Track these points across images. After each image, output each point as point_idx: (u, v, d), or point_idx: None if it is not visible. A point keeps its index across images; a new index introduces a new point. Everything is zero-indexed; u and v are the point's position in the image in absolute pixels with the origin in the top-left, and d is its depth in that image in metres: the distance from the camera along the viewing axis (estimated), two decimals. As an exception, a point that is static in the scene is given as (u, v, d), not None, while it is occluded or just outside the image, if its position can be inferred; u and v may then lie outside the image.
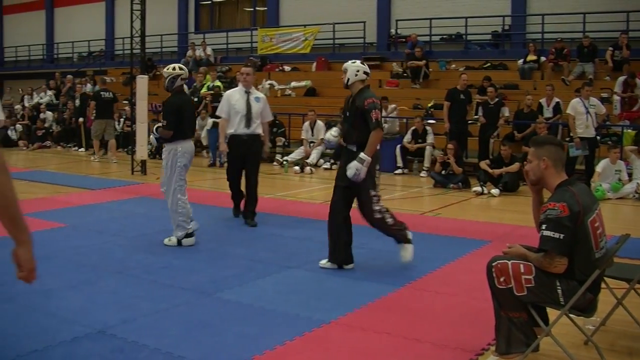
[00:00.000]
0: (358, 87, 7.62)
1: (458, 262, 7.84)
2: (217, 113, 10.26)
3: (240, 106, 9.87)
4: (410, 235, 7.69)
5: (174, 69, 8.72)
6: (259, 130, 10.03)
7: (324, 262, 7.59)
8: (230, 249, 8.34)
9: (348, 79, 7.64)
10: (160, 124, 8.70)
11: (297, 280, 7.03)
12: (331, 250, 7.60)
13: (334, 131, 8.15)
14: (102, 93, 19.17)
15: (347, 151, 7.59)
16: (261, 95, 10.30)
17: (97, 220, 10.22)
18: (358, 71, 7.59)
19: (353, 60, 7.78)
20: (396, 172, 16.47)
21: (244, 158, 10.00)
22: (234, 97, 9.99)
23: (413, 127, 16.88)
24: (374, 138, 7.30)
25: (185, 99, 9.04)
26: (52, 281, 6.86)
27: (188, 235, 8.56)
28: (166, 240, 8.60)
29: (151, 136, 8.88)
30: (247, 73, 9.98)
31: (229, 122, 9.97)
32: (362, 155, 7.22)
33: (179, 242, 8.52)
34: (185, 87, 9.24)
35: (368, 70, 7.67)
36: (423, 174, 15.96)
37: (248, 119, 9.86)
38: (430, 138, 16.51)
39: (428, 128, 16.75)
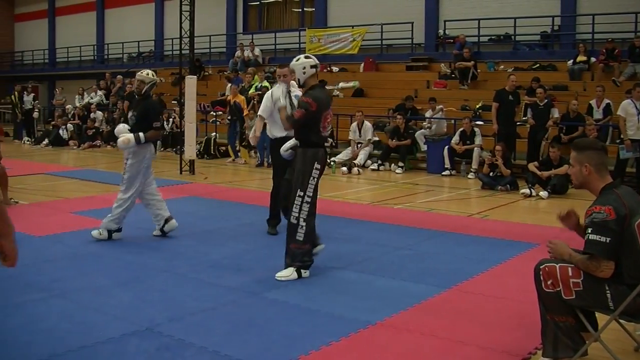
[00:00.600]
0: (310, 83, 7.59)
1: (505, 264, 7.77)
2: (259, 112, 10.33)
3: (286, 105, 9.65)
4: (306, 273, 7.20)
5: (153, 75, 9.19)
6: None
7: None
8: (277, 249, 8.32)
9: (299, 79, 7.63)
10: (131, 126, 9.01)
11: (343, 280, 7.03)
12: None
13: (287, 145, 7.91)
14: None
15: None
16: (299, 93, 10.02)
17: (146, 219, 10.29)
18: (304, 68, 7.49)
19: (297, 58, 7.70)
20: (444, 173, 16.38)
21: (281, 160, 9.35)
22: (273, 94, 9.74)
23: (461, 129, 16.77)
24: (283, 114, 7.70)
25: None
26: (101, 279, 6.96)
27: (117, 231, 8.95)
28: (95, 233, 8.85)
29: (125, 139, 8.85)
30: (283, 74, 9.45)
31: (274, 124, 9.89)
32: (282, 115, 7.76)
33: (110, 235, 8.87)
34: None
35: (314, 62, 7.55)
36: (471, 175, 15.83)
37: None
38: (478, 139, 16.38)
39: (476, 129, 16.62)
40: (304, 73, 7.51)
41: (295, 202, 7.29)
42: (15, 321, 5.63)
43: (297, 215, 7.27)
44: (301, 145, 7.46)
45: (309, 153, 7.39)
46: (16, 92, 26.46)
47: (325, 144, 7.87)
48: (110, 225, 8.84)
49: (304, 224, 7.25)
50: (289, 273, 7.10)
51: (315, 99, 7.38)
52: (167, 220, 9.12)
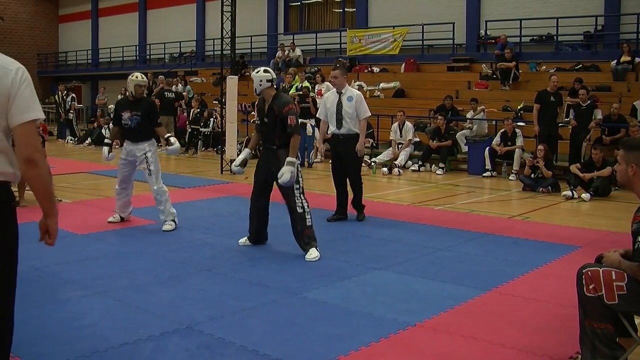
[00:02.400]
0: (270, 93, 8.22)
1: (546, 267, 7.70)
2: (317, 115, 10.99)
3: (332, 107, 10.31)
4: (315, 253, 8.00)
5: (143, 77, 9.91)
6: (355, 129, 10.26)
7: (242, 240, 8.67)
8: (318, 249, 8.36)
9: (256, 89, 8.25)
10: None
11: (383, 281, 7.01)
12: (252, 231, 8.66)
13: (238, 161, 8.78)
14: (165, 92, 20.30)
15: (267, 150, 8.40)
16: (355, 93, 10.41)
17: (187, 218, 10.37)
18: (261, 80, 8.13)
19: (257, 70, 8.36)
20: (484, 174, 16.28)
21: (341, 156, 10.42)
22: (329, 98, 10.50)
23: (502, 130, 16.66)
24: (295, 142, 8.08)
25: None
26: (143, 277, 7.02)
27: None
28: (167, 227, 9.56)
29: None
30: (334, 76, 10.38)
31: (329, 122, 10.52)
32: (290, 159, 7.99)
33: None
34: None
35: (270, 77, 8.19)
36: (512, 177, 15.70)
37: (339, 119, 10.25)
38: (519, 141, 16.25)
39: (517, 130, 16.50)
40: (260, 85, 8.17)
41: (295, 195, 8.12)
42: (59, 317, 5.69)
43: (300, 204, 8.12)
44: (280, 147, 8.18)
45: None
46: (60, 92, 26.77)
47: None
48: (171, 215, 9.56)
49: (308, 209, 8.15)
50: (315, 253, 7.94)
51: (292, 102, 8.39)
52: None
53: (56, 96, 26.93)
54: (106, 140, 10.37)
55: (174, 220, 9.61)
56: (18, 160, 3.45)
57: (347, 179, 10.54)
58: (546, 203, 12.46)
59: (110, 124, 25.12)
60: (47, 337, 5.20)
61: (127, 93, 10.17)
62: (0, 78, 3.39)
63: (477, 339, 5.30)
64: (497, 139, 16.56)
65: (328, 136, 11.30)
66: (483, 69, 22.33)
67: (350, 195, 10.59)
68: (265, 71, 8.23)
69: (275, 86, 8.28)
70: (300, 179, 8.18)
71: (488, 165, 16.38)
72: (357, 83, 22.17)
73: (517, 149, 16.06)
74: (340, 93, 10.32)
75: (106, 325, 5.53)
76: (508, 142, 16.31)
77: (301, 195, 8.17)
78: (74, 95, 27.97)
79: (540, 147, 14.31)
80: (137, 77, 9.76)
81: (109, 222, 9.95)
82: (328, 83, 20.68)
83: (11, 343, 3.68)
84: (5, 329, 3.61)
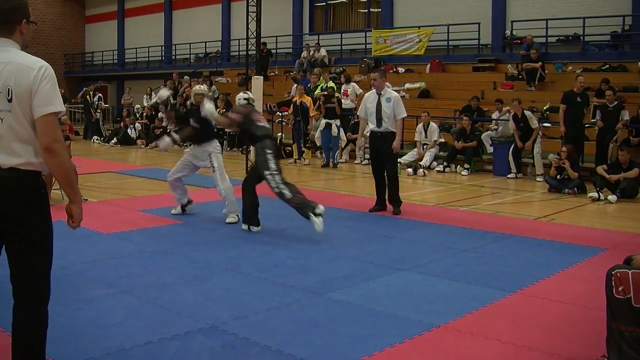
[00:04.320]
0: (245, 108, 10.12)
1: (572, 269, 7.65)
2: (358, 113, 11.75)
3: (372, 107, 11.06)
4: (320, 209, 8.97)
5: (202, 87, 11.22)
6: (392, 128, 10.97)
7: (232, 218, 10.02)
8: (342, 250, 8.37)
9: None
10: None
11: (408, 282, 6.99)
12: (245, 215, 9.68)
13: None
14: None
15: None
16: (393, 95, 11.15)
17: (211, 217, 10.41)
18: (239, 99, 10.26)
19: (239, 96, 10.46)
20: (509, 175, 16.19)
21: (380, 153, 11.12)
22: (368, 98, 11.21)
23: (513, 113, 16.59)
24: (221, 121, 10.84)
25: None
26: (167, 276, 7.05)
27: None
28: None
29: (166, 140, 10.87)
30: (373, 78, 11.32)
31: (369, 121, 11.21)
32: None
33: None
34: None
35: (248, 97, 10.41)
36: (539, 178, 15.58)
37: (378, 118, 10.96)
38: (537, 141, 16.07)
39: (527, 112, 16.40)
40: (239, 103, 10.13)
41: (269, 181, 9.27)
42: (85, 315, 5.73)
43: (275, 186, 9.22)
44: (254, 143, 9.65)
45: (258, 146, 9.49)
46: (90, 93, 26.98)
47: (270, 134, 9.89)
48: (235, 208, 10.24)
49: (284, 188, 9.17)
50: (319, 221, 8.88)
51: (238, 110, 10.04)
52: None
53: (88, 96, 27.09)
54: (174, 136, 10.89)
55: (237, 215, 10.12)
56: (40, 150, 3.75)
57: (386, 174, 11.16)
58: (572, 204, 12.38)
59: (136, 124, 25.40)
60: (73, 334, 5.24)
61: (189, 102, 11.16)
62: (24, 75, 3.71)
63: (502, 341, 5.27)
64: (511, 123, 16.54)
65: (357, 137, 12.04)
66: (509, 70, 22.21)
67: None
68: (244, 93, 10.51)
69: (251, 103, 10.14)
70: (271, 166, 9.31)
71: (512, 167, 16.26)
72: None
73: (536, 150, 15.91)
74: (379, 94, 11.00)
75: (131, 323, 5.56)
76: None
77: (275, 178, 9.26)
78: (100, 95, 28.15)
79: (564, 148, 14.22)
80: (197, 87, 11.07)
81: (173, 213, 10.73)
82: (354, 83, 20.78)
83: (46, 322, 3.94)
84: (41, 304, 3.91)
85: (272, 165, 9.33)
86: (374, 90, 11.20)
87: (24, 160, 3.75)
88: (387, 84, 12.59)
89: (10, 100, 3.71)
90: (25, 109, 3.72)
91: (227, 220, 10.07)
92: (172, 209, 10.80)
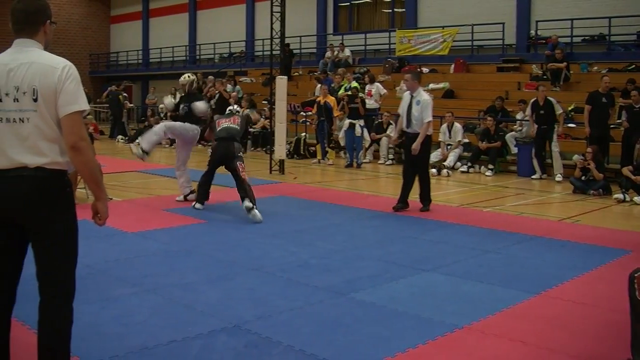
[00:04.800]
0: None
1: (596, 271, 7.60)
2: (398, 110, 11.72)
3: (403, 108, 11.31)
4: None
5: (189, 76, 12.17)
6: (418, 129, 11.09)
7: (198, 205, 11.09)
8: (366, 250, 8.36)
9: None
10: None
11: (431, 283, 6.98)
12: (199, 196, 11.17)
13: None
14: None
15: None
16: (424, 98, 11.17)
17: (236, 217, 10.44)
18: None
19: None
20: (534, 176, 16.10)
21: (409, 152, 11.23)
22: (405, 99, 11.42)
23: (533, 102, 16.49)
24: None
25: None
26: (191, 275, 7.08)
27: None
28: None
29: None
30: (405, 79, 11.79)
31: (403, 120, 11.42)
32: None
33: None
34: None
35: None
36: (558, 177, 15.46)
37: (408, 119, 11.19)
38: (554, 141, 15.93)
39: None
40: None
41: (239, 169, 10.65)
42: (109, 314, 5.77)
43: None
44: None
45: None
46: (122, 93, 27.22)
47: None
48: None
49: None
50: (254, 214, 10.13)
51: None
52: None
53: (120, 96, 27.22)
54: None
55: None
56: (66, 148, 3.82)
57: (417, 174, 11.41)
58: (597, 206, 12.30)
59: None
60: (97, 333, 5.28)
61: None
62: (47, 75, 3.78)
63: (526, 342, 5.25)
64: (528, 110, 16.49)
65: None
66: (533, 70, 22.07)
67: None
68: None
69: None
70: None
71: (537, 169, 16.16)
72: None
73: (554, 150, 15.81)
74: (412, 95, 11.18)
75: (155, 322, 5.59)
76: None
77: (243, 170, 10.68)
78: (125, 94, 28.30)
79: (589, 148, 14.13)
80: (185, 76, 12.03)
81: (177, 200, 11.90)
82: (378, 84, 20.78)
83: (71, 316, 3.98)
84: (66, 302, 3.95)
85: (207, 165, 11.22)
86: (409, 91, 11.40)
87: (50, 159, 3.80)
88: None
89: (35, 100, 3.77)
90: (50, 108, 3.78)
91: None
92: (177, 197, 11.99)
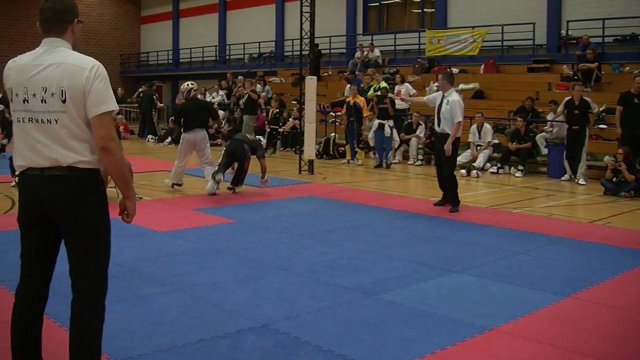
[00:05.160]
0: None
1: (628, 274, 7.52)
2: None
3: (435, 107, 11.48)
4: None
5: (189, 85, 13.40)
6: (448, 130, 11.23)
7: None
8: (395, 251, 8.35)
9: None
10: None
11: (460, 284, 6.95)
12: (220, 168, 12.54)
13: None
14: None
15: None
16: (453, 98, 11.25)
17: (265, 217, 10.46)
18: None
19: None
20: (563, 178, 15.97)
21: (438, 153, 11.62)
22: (437, 98, 11.58)
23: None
24: None
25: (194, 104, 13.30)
26: (220, 274, 7.11)
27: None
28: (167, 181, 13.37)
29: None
30: (438, 79, 11.99)
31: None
32: None
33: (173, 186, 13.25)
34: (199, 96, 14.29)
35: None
36: (582, 181, 15.27)
37: (438, 119, 11.39)
38: (585, 145, 15.77)
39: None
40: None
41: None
42: (139, 312, 5.82)
43: None
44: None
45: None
46: (155, 93, 27.43)
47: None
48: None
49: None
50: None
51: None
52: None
53: (154, 97, 27.38)
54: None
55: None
56: (95, 149, 3.83)
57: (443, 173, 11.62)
58: (629, 208, 12.19)
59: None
60: (127, 331, 5.32)
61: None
62: (76, 76, 3.77)
63: (555, 345, 5.21)
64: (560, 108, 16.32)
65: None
66: (564, 70, 21.90)
67: None
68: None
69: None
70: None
71: (568, 170, 16.01)
72: (436, 84, 22.01)
73: (583, 156, 15.63)
74: (443, 95, 11.33)
75: (184, 321, 5.62)
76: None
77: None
78: (156, 94, 28.48)
79: (620, 150, 14.00)
80: (186, 83, 13.36)
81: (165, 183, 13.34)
82: (407, 84, 20.75)
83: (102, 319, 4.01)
84: (98, 301, 3.98)
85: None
86: (441, 90, 11.57)
87: (81, 158, 3.81)
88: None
89: (64, 101, 3.77)
90: (79, 109, 3.79)
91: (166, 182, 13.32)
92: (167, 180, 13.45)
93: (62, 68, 3.79)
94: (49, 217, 3.86)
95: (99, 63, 3.90)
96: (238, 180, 12.82)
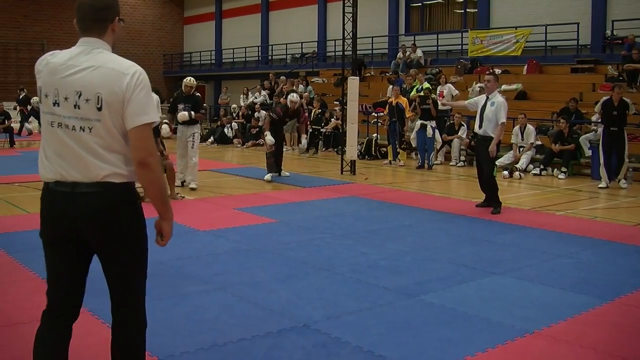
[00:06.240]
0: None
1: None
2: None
3: (479, 108, 11.36)
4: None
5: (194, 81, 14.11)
6: (490, 132, 11.13)
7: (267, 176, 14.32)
8: (436, 252, 8.33)
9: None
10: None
11: (502, 287, 6.92)
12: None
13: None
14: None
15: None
16: (498, 100, 11.19)
17: (307, 217, 10.49)
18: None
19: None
20: (600, 185, 15.68)
21: (479, 154, 11.60)
22: (480, 99, 11.56)
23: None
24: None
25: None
26: (261, 274, 7.14)
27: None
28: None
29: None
30: (487, 80, 11.51)
31: (476, 121, 11.54)
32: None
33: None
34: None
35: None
36: (623, 184, 14.99)
37: (481, 120, 11.23)
38: (624, 144, 15.51)
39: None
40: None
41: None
42: (181, 311, 5.87)
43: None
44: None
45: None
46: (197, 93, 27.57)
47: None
48: (195, 178, 13.53)
49: None
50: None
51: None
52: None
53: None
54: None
55: (196, 183, 13.39)
56: (133, 164, 3.47)
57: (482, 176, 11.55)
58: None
59: (233, 123, 25.80)
60: (169, 329, 5.38)
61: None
62: (115, 82, 3.40)
63: (597, 350, 5.16)
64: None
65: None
66: (609, 71, 21.64)
67: None
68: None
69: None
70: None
71: (604, 178, 15.56)
72: (479, 85, 21.89)
73: (625, 156, 15.40)
74: (487, 97, 11.28)
75: (225, 320, 5.66)
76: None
77: None
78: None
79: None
80: (190, 79, 14.02)
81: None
82: (450, 85, 20.68)
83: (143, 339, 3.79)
84: (138, 334, 3.73)
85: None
86: (487, 92, 11.43)
87: (115, 170, 3.46)
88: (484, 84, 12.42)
89: (100, 109, 3.40)
90: (116, 118, 3.42)
91: (191, 186, 13.29)
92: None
93: (100, 72, 3.42)
94: (80, 235, 3.50)
95: (141, 69, 3.53)
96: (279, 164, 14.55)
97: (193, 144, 13.40)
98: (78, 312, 3.71)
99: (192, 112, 13.47)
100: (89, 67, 3.43)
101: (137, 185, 3.50)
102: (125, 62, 3.49)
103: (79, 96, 3.41)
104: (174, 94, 28.38)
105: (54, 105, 3.47)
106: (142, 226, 3.63)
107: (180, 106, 13.65)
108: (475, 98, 11.71)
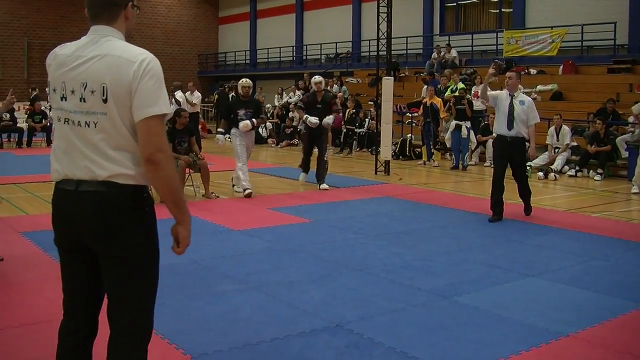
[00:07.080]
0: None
1: None
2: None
3: (504, 108, 10.53)
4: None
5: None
6: (522, 133, 10.51)
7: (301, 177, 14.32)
8: (470, 254, 8.29)
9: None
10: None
11: (536, 289, 6.87)
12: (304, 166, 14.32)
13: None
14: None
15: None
16: (527, 99, 10.72)
17: (340, 217, 10.49)
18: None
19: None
20: (633, 191, 15.52)
21: (510, 158, 10.61)
22: (502, 100, 10.63)
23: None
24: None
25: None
26: (295, 274, 7.16)
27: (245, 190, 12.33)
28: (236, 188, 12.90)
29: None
30: (509, 77, 10.75)
31: (497, 122, 10.76)
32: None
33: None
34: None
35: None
36: (635, 189, 14.71)
37: (510, 120, 10.45)
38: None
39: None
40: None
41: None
42: (215, 309, 5.90)
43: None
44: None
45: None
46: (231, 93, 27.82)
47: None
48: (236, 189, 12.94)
49: None
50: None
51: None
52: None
53: (230, 97, 27.76)
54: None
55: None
56: (141, 159, 3.14)
57: (515, 179, 10.89)
58: None
59: (267, 123, 25.88)
60: (203, 327, 5.41)
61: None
62: (121, 70, 3.09)
63: (634, 354, 5.11)
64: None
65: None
66: (646, 71, 21.45)
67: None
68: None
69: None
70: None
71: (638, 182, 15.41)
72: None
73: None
74: (512, 95, 10.56)
75: (258, 319, 5.69)
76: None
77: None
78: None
79: None
80: (245, 80, 13.12)
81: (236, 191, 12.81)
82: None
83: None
84: (135, 350, 3.30)
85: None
86: (506, 90, 10.73)
87: (121, 170, 3.15)
88: (520, 85, 12.21)
89: (105, 101, 3.10)
90: (123, 111, 3.11)
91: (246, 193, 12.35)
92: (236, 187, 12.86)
93: (105, 61, 3.12)
94: (83, 241, 3.22)
95: (152, 56, 3.17)
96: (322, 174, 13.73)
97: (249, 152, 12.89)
98: (96, 328, 3.45)
99: (254, 120, 12.44)
100: (95, 57, 3.15)
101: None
102: (135, 49, 3.17)
103: (85, 88, 3.14)
104: (214, 94, 28.38)
105: (62, 100, 3.22)
106: (150, 235, 3.27)
107: (241, 112, 12.44)
108: (497, 92, 11.02)
